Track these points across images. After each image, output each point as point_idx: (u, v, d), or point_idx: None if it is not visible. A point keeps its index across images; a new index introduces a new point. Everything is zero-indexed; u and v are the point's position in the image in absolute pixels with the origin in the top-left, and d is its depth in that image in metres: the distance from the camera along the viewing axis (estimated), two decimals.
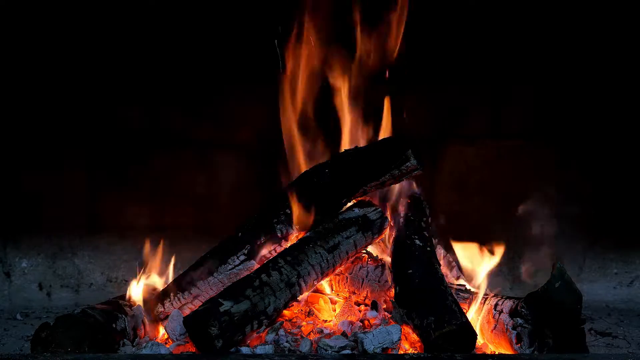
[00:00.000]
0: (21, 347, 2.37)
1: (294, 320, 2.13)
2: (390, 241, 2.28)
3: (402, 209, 2.36)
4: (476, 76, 2.99)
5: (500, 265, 2.88)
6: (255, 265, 2.17)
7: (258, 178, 3.00)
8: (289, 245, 2.19)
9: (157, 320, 2.17)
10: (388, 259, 2.24)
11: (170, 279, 2.30)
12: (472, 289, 2.20)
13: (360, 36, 2.51)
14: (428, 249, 2.17)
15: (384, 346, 1.89)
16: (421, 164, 2.19)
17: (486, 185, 3.04)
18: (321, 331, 2.06)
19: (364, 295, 2.25)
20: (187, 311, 2.10)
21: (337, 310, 2.22)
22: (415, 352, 1.94)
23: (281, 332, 2.00)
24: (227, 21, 2.93)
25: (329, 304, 2.26)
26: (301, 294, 2.07)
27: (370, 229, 2.21)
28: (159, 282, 2.30)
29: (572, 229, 3.07)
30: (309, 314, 2.19)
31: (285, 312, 2.10)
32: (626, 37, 2.95)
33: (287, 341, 1.97)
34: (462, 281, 2.34)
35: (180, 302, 2.17)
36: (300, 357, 1.80)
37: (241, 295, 1.91)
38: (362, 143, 2.41)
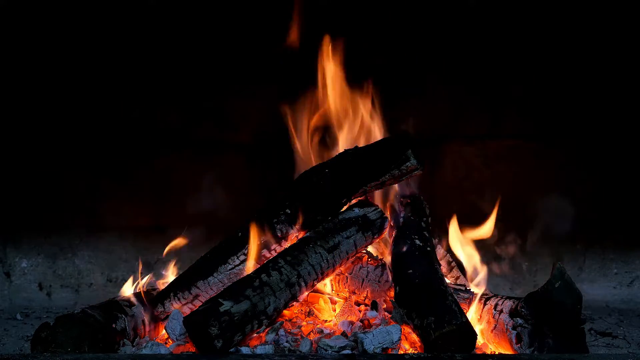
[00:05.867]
0: (21, 347, 2.37)
1: (294, 320, 2.13)
2: (390, 241, 2.28)
3: (402, 209, 2.36)
4: (476, 76, 2.99)
5: (500, 265, 2.91)
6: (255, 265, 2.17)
7: (258, 178, 3.00)
8: (289, 245, 2.19)
9: (157, 320, 2.17)
10: (388, 259, 2.24)
11: (170, 279, 2.30)
12: (472, 289, 2.20)
13: None
14: (428, 249, 2.17)
15: (384, 346, 1.89)
16: (421, 164, 2.19)
17: (486, 185, 3.03)
18: (321, 331, 2.06)
19: (364, 295, 2.25)
20: (187, 311, 2.10)
21: (337, 310, 2.22)
22: (415, 352, 1.94)
23: (281, 332, 2.00)
24: (227, 21, 2.93)
25: (329, 304, 2.26)
26: (301, 294, 2.06)
27: (370, 229, 2.21)
28: (159, 282, 2.30)
29: (572, 229, 3.07)
30: (309, 314, 2.19)
31: (285, 312, 2.10)
32: (627, 37, 2.95)
33: (287, 341, 1.97)
34: (462, 281, 2.34)
35: (180, 302, 2.17)
36: (300, 357, 1.80)
37: (241, 295, 1.91)
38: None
